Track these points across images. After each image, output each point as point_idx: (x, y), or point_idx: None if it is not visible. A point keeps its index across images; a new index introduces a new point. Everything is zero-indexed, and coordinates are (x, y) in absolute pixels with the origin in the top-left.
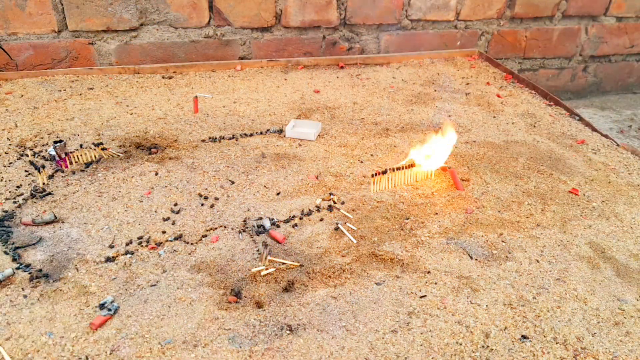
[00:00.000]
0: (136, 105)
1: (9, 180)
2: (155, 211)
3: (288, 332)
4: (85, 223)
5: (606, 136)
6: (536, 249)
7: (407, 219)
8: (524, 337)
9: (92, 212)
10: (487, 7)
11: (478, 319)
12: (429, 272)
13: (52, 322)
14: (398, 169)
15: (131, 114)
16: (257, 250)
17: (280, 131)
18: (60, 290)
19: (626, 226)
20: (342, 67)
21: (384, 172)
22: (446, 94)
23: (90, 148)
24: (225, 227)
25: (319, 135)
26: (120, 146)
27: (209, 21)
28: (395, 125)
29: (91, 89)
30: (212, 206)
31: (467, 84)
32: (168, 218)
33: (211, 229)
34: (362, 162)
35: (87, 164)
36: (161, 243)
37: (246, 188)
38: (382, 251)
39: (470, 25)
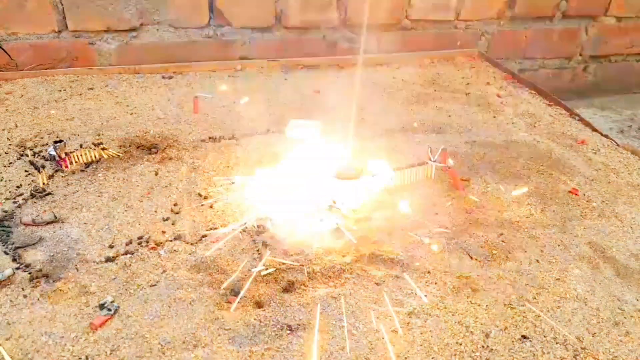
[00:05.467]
0: (136, 105)
1: (9, 180)
2: (155, 211)
3: (288, 332)
4: (85, 223)
5: (606, 136)
6: (536, 249)
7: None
8: (524, 337)
9: (92, 212)
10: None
11: (478, 319)
12: (429, 272)
13: (52, 322)
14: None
15: (131, 114)
16: (257, 250)
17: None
18: (60, 290)
19: (626, 226)
20: (342, 68)
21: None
22: (446, 94)
23: (91, 148)
24: (225, 227)
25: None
26: (120, 146)
27: (209, 21)
28: (395, 125)
29: (91, 89)
30: (212, 206)
31: (468, 84)
32: (168, 218)
33: (211, 229)
34: None
35: (87, 164)
36: (161, 243)
37: (246, 188)
38: (382, 251)
39: (471, 26)
